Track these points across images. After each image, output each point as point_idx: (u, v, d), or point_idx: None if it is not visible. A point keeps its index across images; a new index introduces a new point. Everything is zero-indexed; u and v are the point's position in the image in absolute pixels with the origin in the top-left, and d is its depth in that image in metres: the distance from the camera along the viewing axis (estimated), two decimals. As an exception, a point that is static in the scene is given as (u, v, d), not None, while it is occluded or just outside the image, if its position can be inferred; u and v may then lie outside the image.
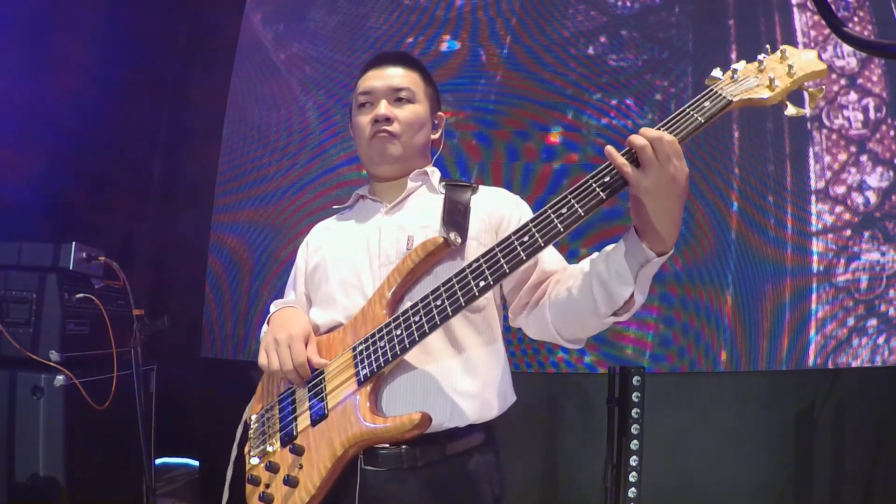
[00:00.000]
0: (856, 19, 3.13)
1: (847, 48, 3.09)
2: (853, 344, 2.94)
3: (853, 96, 3.06)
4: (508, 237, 1.00)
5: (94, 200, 2.79)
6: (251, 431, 1.21)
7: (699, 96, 0.98)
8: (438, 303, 1.02)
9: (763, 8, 3.18)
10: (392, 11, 3.29)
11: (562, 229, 0.95)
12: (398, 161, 1.25)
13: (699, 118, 0.96)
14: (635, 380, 2.38)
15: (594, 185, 0.95)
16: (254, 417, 1.22)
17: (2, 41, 2.31)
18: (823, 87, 0.97)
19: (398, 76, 1.26)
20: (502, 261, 0.98)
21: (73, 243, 2.01)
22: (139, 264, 3.12)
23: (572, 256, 1.17)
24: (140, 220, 3.23)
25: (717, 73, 1.00)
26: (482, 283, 0.99)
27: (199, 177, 3.28)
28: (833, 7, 0.78)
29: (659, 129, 0.95)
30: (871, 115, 3.05)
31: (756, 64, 1.00)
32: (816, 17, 3.11)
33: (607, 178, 0.95)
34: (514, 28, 3.22)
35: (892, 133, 3.04)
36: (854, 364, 2.93)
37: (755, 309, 2.99)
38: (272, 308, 1.36)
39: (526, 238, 0.98)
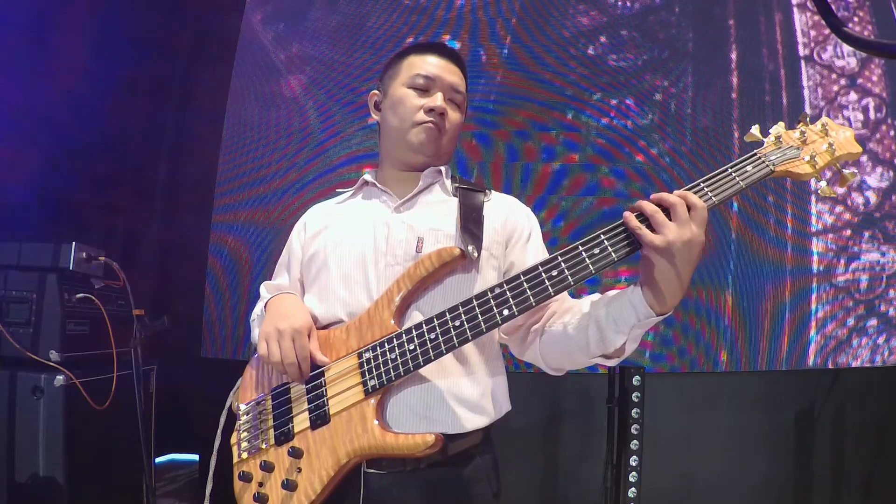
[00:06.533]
0: (856, 19, 3.13)
1: (847, 48, 3.09)
2: (853, 344, 2.94)
3: (853, 96, 3.06)
4: (535, 268, 0.99)
5: (94, 200, 2.79)
6: (241, 423, 1.16)
7: (743, 159, 0.96)
8: (457, 324, 1.01)
9: (763, 8, 3.18)
10: (392, 11, 3.29)
11: (593, 271, 0.95)
12: (432, 156, 1.23)
13: (741, 183, 0.95)
14: (635, 380, 2.38)
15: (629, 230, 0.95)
16: (242, 407, 1.17)
17: (2, 41, 2.31)
18: (857, 172, 0.97)
19: (458, 77, 1.26)
20: (529, 293, 0.98)
21: (73, 243, 2.01)
22: (139, 264, 3.13)
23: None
24: (140, 219, 3.23)
25: (755, 130, 1.00)
26: (506, 312, 0.98)
27: (200, 177, 3.28)
28: (833, 7, 0.78)
29: (698, 185, 0.94)
30: (871, 115, 3.05)
31: (798, 134, 1.00)
32: (816, 17, 3.11)
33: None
34: (514, 28, 3.22)
35: (892, 133, 3.04)
36: (854, 364, 2.93)
37: (755, 309, 2.99)
38: (263, 291, 1.32)
39: (555, 273, 0.97)
